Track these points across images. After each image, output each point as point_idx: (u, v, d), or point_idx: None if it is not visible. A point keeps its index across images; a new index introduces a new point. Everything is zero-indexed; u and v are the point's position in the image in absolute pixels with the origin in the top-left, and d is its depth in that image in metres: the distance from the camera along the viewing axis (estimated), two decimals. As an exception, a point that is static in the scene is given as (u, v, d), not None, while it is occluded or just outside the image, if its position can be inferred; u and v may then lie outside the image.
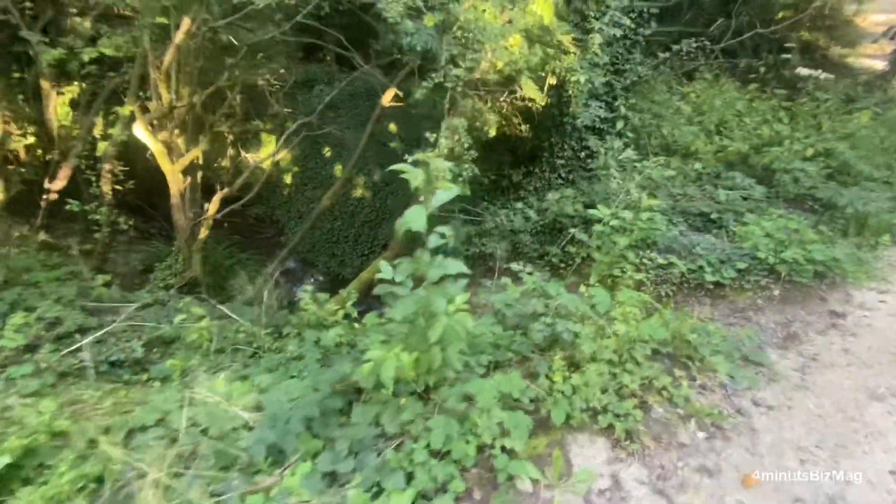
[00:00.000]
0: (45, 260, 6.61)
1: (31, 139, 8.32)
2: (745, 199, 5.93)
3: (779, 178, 5.88)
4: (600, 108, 6.14)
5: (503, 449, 2.34)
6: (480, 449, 2.37)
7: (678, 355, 3.38)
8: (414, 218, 2.13)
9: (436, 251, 2.49)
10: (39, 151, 8.33)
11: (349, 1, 5.48)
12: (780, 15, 8.23)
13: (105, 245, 7.26)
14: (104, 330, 4.74)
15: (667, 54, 7.00)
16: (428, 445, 2.27)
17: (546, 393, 2.73)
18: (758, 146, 7.08)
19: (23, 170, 8.33)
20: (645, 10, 7.03)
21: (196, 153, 6.86)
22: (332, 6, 5.71)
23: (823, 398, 3.10)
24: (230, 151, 10.61)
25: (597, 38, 6.62)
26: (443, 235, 2.35)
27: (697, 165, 5.99)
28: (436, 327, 2.33)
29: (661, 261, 4.94)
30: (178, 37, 5.45)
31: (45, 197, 7.43)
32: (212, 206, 7.03)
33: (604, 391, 2.73)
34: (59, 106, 8.43)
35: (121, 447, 2.36)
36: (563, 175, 7.34)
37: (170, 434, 2.77)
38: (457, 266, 2.45)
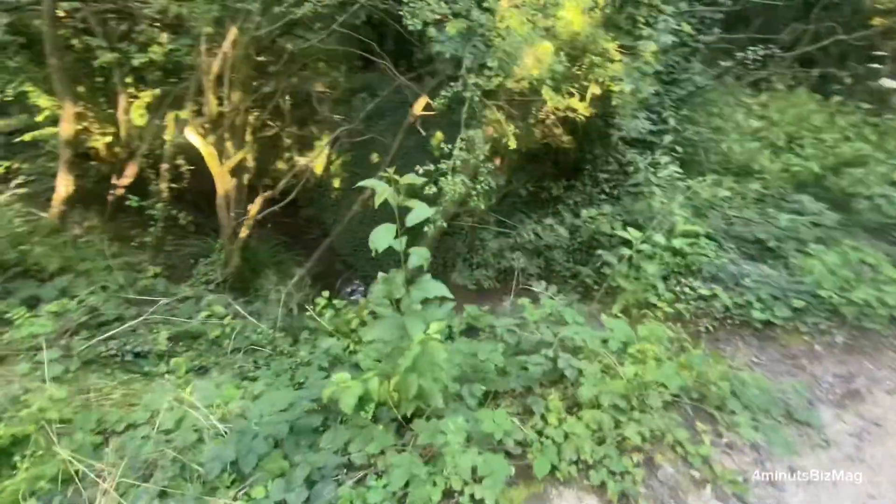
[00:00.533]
0: (104, 250, 7.12)
1: (108, 138, 9.08)
2: (815, 225, 5.22)
3: (857, 203, 5.13)
4: (647, 119, 5.68)
5: (472, 498, 2.10)
6: (447, 494, 2.15)
7: (705, 405, 2.96)
8: (380, 237, 1.97)
9: (418, 271, 2.31)
10: (118, 149, 9.08)
11: (383, 11, 5.43)
12: (875, 21, 7.27)
13: (159, 239, 7.73)
14: (137, 320, 4.98)
15: (728, 63, 6.38)
16: (387, 485, 2.09)
17: (536, 436, 2.45)
18: (836, 166, 6.26)
19: (102, 166, 9.09)
20: (707, 15, 6.46)
21: (241, 156, 7.14)
22: (369, 14, 5.73)
23: (881, 475, 2.57)
24: (286, 155, 11.04)
25: (651, 46, 6.17)
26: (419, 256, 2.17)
27: (754, 185, 5.35)
28: (406, 355, 2.15)
29: (703, 291, 4.44)
30: (226, 45, 5.69)
31: (111, 192, 8.06)
32: (253, 208, 7.28)
33: (601, 442, 2.40)
34: (136, 108, 9.21)
35: (92, 446, 2.37)
36: (607, 190, 6.89)
37: (151, 435, 2.78)
38: (438, 289, 2.26)
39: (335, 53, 8.70)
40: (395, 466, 2.13)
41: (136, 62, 5.65)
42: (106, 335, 4.66)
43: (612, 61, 5.50)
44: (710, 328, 4.22)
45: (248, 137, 7.75)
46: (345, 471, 2.26)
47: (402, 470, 2.10)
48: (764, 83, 7.85)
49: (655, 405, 2.71)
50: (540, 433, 2.44)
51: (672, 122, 5.54)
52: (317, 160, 8.32)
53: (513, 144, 3.86)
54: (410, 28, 3.43)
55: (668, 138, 5.25)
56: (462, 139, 3.62)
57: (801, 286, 4.12)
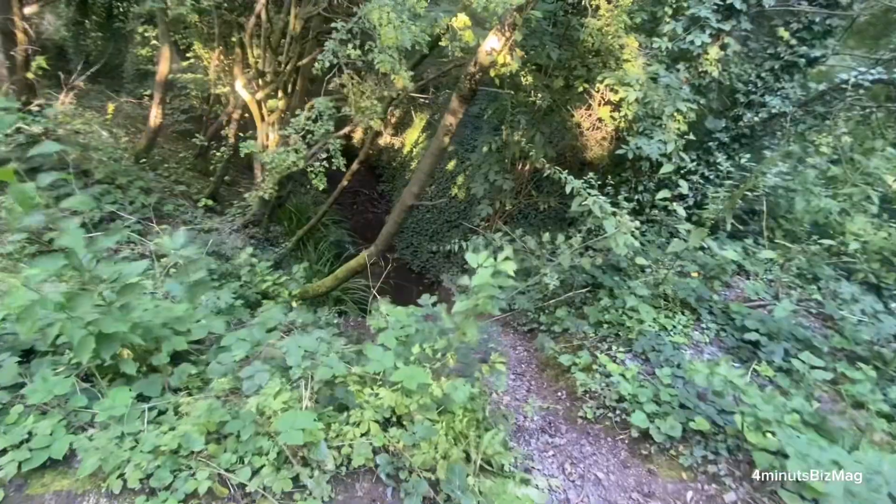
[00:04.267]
0: (170, 176, 8.38)
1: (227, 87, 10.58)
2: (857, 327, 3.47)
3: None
4: (661, 142, 4.38)
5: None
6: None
7: (406, 491, 2.20)
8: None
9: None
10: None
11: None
12: None
13: (219, 178, 8.80)
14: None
15: (822, 86, 4.48)
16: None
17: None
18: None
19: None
20: (816, 20, 4.70)
21: (279, 113, 7.62)
22: None
23: None
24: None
25: (713, 51, 4.77)
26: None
27: (811, 257, 3.74)
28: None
29: (612, 367, 3.35)
30: (258, 7, 6.08)
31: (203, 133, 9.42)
32: (283, 165, 7.75)
33: (176, 469, 1.94)
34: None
35: None
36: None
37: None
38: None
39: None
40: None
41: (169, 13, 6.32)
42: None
43: (624, 60, 4.44)
44: (590, 416, 3.14)
45: (306, 98, 8.24)
46: None
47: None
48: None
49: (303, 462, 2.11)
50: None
51: (671, 146, 4.17)
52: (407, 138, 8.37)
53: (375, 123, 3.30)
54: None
55: (668, 167, 3.95)
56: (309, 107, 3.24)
57: (729, 406, 2.78)
